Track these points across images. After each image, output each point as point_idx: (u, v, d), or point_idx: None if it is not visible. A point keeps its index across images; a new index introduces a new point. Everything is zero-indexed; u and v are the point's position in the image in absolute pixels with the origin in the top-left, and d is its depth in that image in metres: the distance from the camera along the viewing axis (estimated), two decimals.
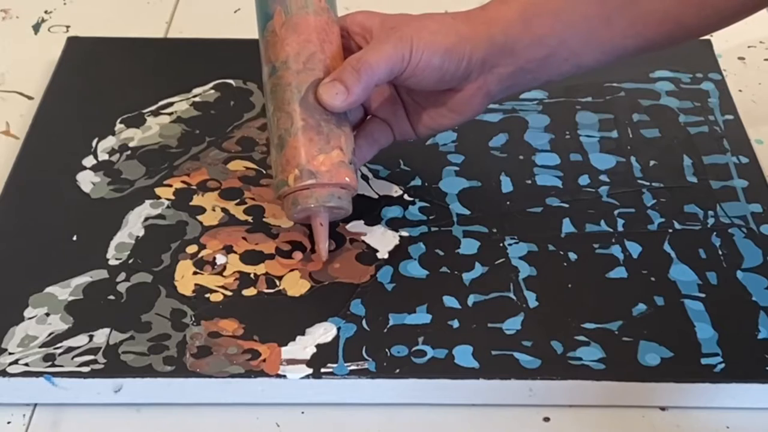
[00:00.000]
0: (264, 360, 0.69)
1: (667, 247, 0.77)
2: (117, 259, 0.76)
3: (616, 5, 0.75)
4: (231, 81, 0.91)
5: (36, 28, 1.02)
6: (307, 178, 0.73)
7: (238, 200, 0.80)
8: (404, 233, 0.78)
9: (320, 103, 0.73)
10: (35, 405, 0.69)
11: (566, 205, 0.80)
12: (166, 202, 0.80)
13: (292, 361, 0.69)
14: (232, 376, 0.68)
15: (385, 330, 0.71)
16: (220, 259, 0.76)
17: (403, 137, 0.80)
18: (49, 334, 0.70)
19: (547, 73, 0.77)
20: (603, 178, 0.83)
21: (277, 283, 0.74)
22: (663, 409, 0.69)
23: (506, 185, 0.82)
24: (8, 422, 0.68)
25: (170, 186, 0.82)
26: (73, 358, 0.69)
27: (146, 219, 0.79)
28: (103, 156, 0.84)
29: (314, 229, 0.75)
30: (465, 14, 0.76)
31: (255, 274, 0.75)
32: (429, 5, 0.81)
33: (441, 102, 0.77)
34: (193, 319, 0.72)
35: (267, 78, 0.76)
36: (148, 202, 0.80)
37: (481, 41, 0.74)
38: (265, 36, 0.76)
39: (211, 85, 0.91)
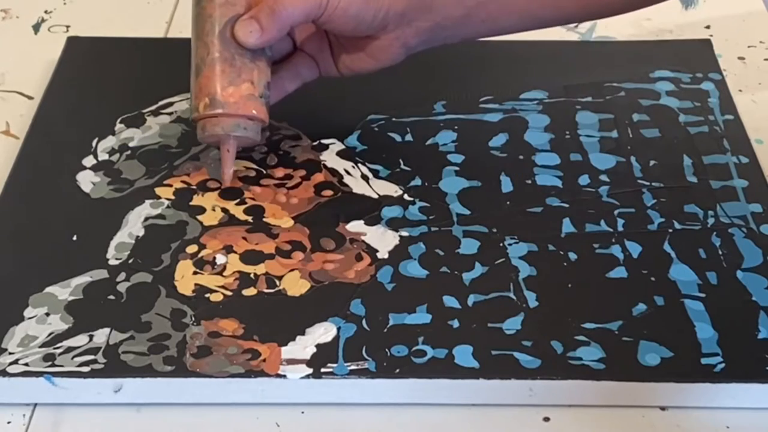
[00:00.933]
0: (264, 360, 0.69)
1: (667, 247, 0.77)
2: (117, 259, 0.76)
3: None
4: None
5: (36, 28, 1.02)
6: (215, 107, 0.77)
7: (238, 200, 0.80)
8: (404, 233, 0.78)
9: (235, 39, 0.77)
10: (35, 405, 0.69)
11: (566, 205, 0.80)
12: (166, 202, 0.80)
13: (292, 361, 0.69)
14: (232, 376, 0.68)
15: (385, 330, 0.71)
16: (220, 259, 0.76)
17: (328, 74, 0.83)
18: (49, 334, 0.70)
19: (463, 32, 0.80)
20: (603, 178, 0.83)
21: (277, 283, 0.74)
22: (663, 409, 0.69)
23: (506, 185, 0.82)
24: (8, 422, 0.68)
25: (170, 186, 0.82)
26: (73, 358, 0.69)
27: (146, 219, 0.79)
28: (103, 156, 0.84)
29: (222, 155, 0.79)
30: None
31: (255, 274, 0.75)
32: None
33: (360, 47, 0.81)
34: (193, 319, 0.72)
35: (193, 6, 0.80)
36: (148, 202, 0.80)
37: None
38: None
39: None
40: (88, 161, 0.84)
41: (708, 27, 1.01)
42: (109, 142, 0.86)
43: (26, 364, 0.69)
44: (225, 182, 0.80)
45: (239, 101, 0.77)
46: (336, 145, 0.85)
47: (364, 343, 0.70)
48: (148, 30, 1.01)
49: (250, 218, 0.79)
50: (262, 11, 0.77)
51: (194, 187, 0.82)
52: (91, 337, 0.70)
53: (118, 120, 0.88)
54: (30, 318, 0.71)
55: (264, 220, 0.79)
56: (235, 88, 0.77)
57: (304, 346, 0.70)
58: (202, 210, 0.80)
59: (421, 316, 0.72)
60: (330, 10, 0.76)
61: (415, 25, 0.79)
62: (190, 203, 0.80)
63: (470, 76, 0.92)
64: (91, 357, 0.69)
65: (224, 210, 0.80)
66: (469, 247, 0.77)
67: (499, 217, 0.79)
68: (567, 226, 0.79)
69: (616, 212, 0.80)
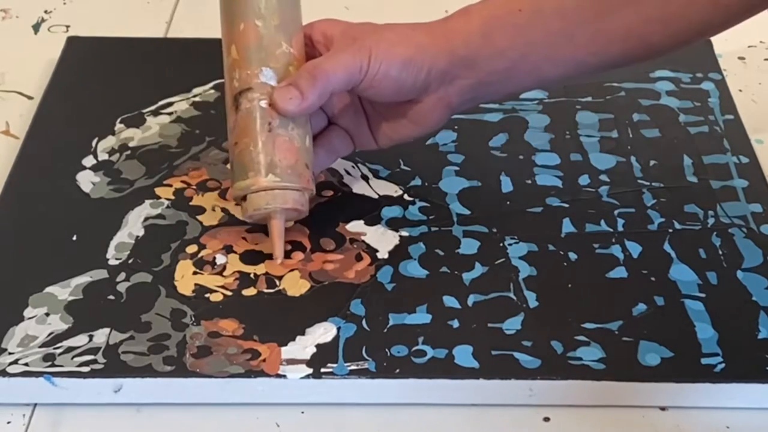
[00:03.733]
0: (264, 360, 0.69)
1: (667, 247, 0.77)
2: (117, 259, 0.76)
3: (578, 22, 0.74)
4: None
5: (36, 28, 1.02)
6: (270, 180, 0.73)
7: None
8: (404, 233, 0.78)
9: (274, 107, 0.74)
10: (35, 405, 0.69)
11: (566, 205, 0.80)
12: (166, 202, 0.80)
13: (292, 361, 0.69)
14: (232, 376, 0.68)
15: (385, 330, 0.71)
16: (220, 259, 0.76)
17: (364, 147, 0.80)
18: (49, 334, 0.70)
19: (508, 87, 0.77)
20: (603, 177, 0.83)
21: (277, 283, 0.74)
22: (663, 409, 0.69)
23: (506, 185, 0.82)
24: (8, 422, 0.68)
25: (170, 186, 0.82)
26: (72, 358, 0.69)
27: (146, 219, 0.79)
28: (103, 156, 0.84)
29: (271, 231, 0.75)
30: (426, 26, 0.76)
31: (255, 274, 0.75)
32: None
33: (401, 113, 0.77)
34: (193, 319, 0.72)
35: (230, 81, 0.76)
36: (148, 202, 0.80)
37: (441, 53, 0.74)
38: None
39: (211, 85, 0.91)
40: (88, 161, 0.84)
41: None
42: (109, 142, 0.86)
43: (26, 364, 0.69)
44: (278, 260, 0.75)
45: (292, 173, 0.74)
46: None
47: (364, 343, 0.70)
48: (148, 30, 1.01)
49: None
50: (302, 77, 0.73)
51: (194, 187, 0.82)
52: (91, 337, 0.70)
53: (118, 120, 0.88)
54: (30, 318, 0.71)
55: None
56: (284, 160, 0.73)
57: (304, 346, 0.70)
58: (202, 210, 0.80)
59: (421, 316, 0.72)
60: (371, 73, 0.73)
61: (458, 84, 0.75)
62: (190, 203, 0.80)
63: None
64: (91, 357, 0.69)
65: (224, 210, 0.80)
66: (469, 247, 0.77)
67: (499, 217, 0.79)
68: (567, 226, 0.79)
69: (616, 212, 0.80)
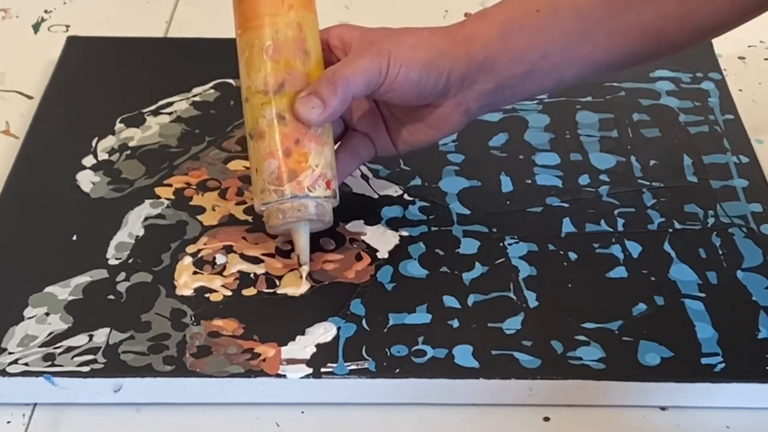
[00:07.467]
0: (264, 360, 0.69)
1: (667, 246, 0.77)
2: (117, 258, 0.76)
3: (595, 20, 0.74)
4: (231, 81, 0.91)
5: (36, 27, 1.02)
6: (291, 191, 0.72)
7: (238, 200, 0.80)
8: (404, 233, 0.78)
9: (297, 117, 0.72)
10: (35, 405, 0.69)
11: (566, 205, 0.80)
12: (166, 202, 0.80)
13: (292, 361, 0.69)
14: (232, 375, 0.68)
15: (385, 330, 0.71)
16: (220, 258, 0.76)
17: (385, 152, 0.79)
18: (49, 334, 0.70)
19: (527, 89, 0.76)
20: (603, 177, 0.83)
21: (277, 282, 0.74)
22: (663, 409, 0.69)
23: (506, 185, 0.82)
24: (8, 422, 0.68)
25: (170, 186, 0.82)
26: (72, 358, 0.69)
27: (146, 219, 0.79)
28: (102, 155, 0.84)
29: (295, 241, 0.74)
30: (444, 30, 0.75)
31: (255, 274, 0.75)
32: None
33: (419, 117, 0.76)
34: (193, 318, 0.72)
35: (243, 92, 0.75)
36: (148, 201, 0.80)
37: (460, 57, 0.74)
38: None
39: (211, 84, 0.91)
40: (88, 161, 0.84)
41: None
42: (109, 141, 0.86)
43: (26, 364, 0.69)
44: (305, 272, 0.74)
45: (314, 183, 0.73)
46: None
47: (364, 343, 0.70)
48: (148, 30, 1.01)
49: (250, 218, 0.79)
50: (322, 84, 0.72)
51: (194, 186, 0.82)
52: (90, 337, 0.70)
53: (118, 120, 0.88)
54: (30, 318, 0.71)
55: (264, 219, 0.79)
56: (311, 169, 0.73)
57: (304, 346, 0.70)
58: (202, 210, 0.80)
59: (421, 316, 0.72)
60: (391, 77, 0.72)
61: (476, 88, 0.75)
62: (190, 203, 0.80)
63: None
64: (91, 357, 0.69)
65: (224, 210, 0.80)
66: (469, 247, 0.77)
67: (499, 217, 0.79)
68: (567, 226, 0.79)
69: (616, 212, 0.80)
